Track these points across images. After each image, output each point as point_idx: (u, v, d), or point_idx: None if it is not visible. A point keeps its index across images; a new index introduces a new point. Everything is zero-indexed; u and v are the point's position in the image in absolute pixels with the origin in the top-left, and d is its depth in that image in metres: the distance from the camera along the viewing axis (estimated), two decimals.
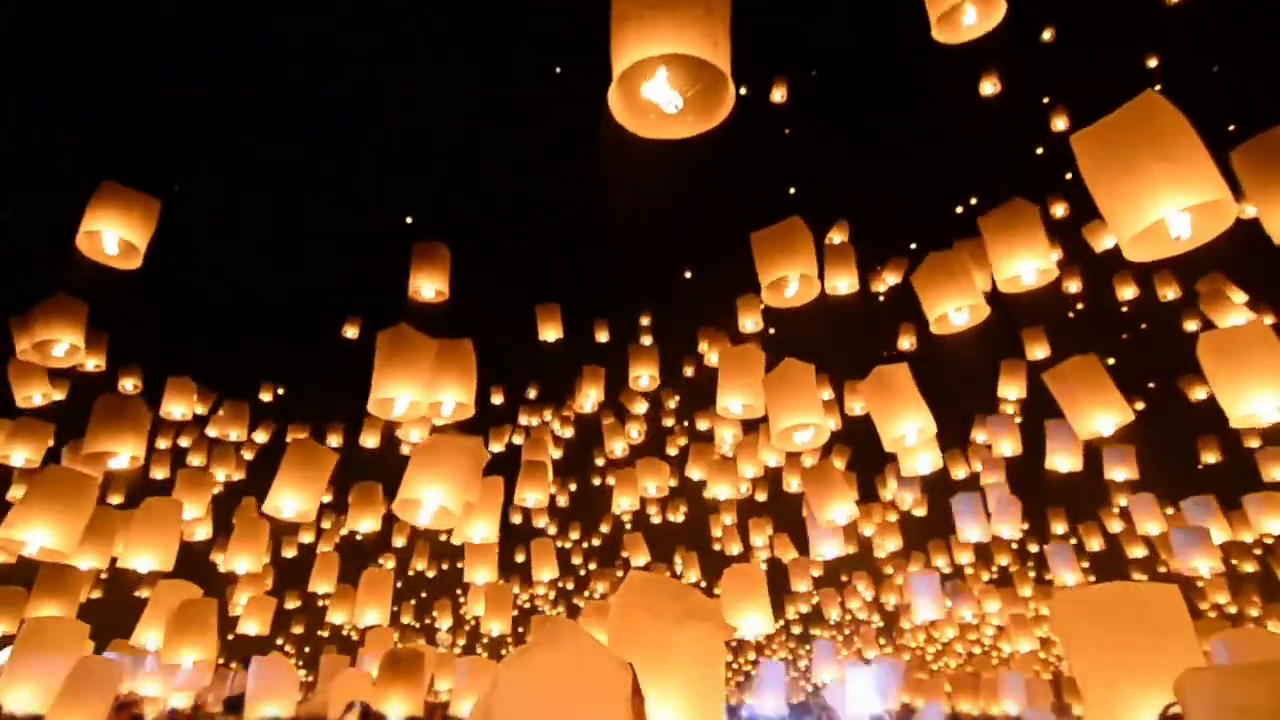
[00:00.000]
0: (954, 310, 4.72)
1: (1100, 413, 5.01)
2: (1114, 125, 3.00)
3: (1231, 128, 4.63)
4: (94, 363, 7.29)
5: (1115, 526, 10.72)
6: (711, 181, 8.67)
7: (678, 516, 13.21)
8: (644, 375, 8.06)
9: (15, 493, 7.60)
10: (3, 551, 4.91)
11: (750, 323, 7.23)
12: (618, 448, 10.28)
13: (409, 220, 13.70)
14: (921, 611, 8.79)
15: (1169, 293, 7.83)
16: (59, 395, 7.11)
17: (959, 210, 8.78)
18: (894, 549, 10.62)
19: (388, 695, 5.52)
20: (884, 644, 16.34)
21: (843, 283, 6.02)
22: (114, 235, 4.20)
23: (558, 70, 8.76)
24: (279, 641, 19.19)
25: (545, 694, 1.81)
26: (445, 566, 15.78)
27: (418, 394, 4.57)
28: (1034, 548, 11.92)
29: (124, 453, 5.01)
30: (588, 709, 1.82)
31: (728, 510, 12.25)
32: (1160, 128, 2.95)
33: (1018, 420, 7.97)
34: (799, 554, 11.52)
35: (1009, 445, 7.51)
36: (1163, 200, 2.94)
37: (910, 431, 5.16)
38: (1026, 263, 4.39)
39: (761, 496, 12.17)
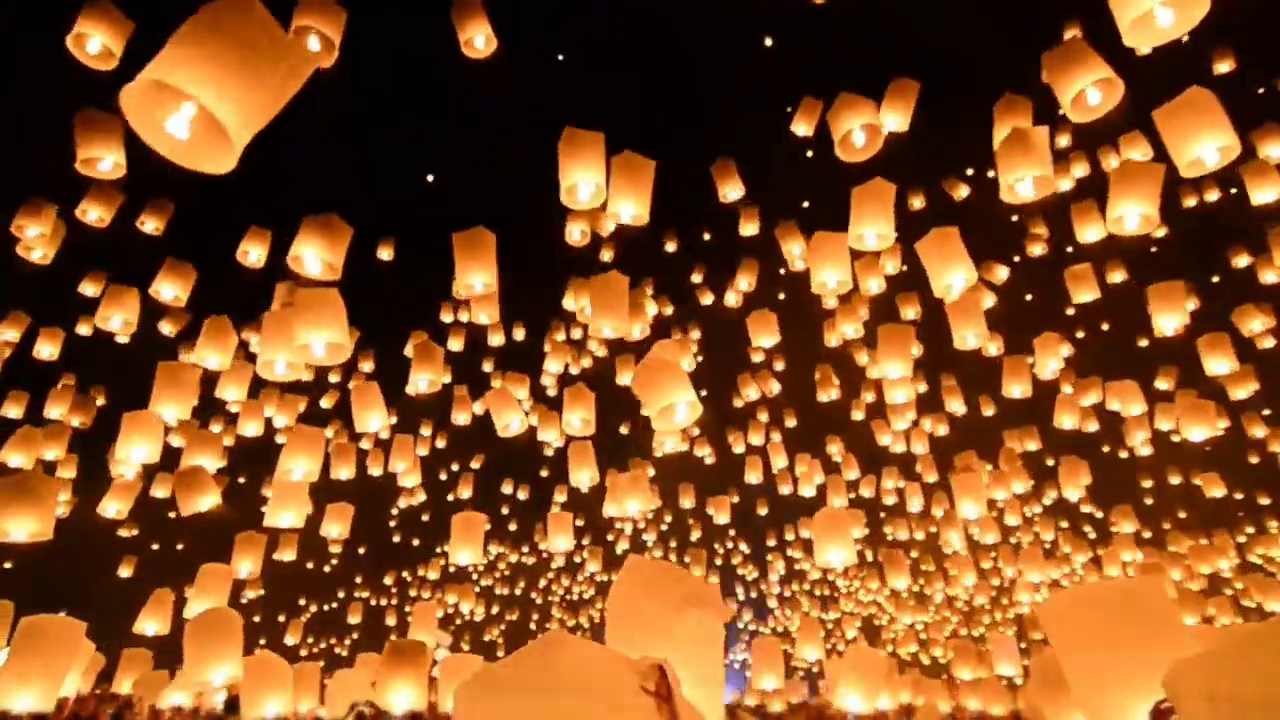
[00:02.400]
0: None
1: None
2: None
3: None
4: (153, 225, 8.02)
5: None
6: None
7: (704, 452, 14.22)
8: (731, 190, 8.43)
9: None
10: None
11: (802, 128, 7.94)
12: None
13: (430, 179, 14.85)
14: (964, 510, 9.75)
15: None
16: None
17: None
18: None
19: (391, 687, 5.94)
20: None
21: (893, 120, 6.86)
22: (316, 34, 5.14)
23: None
24: (302, 601, 19.67)
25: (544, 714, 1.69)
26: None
27: (599, 179, 5.47)
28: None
29: None
30: None
31: (756, 430, 13.20)
32: None
33: None
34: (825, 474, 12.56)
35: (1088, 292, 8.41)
36: None
37: (957, 281, 6.20)
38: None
39: (791, 422, 13.26)
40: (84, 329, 10.77)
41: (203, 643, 6.16)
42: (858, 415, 12.30)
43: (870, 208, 5.97)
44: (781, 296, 12.40)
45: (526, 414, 10.73)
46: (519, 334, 12.84)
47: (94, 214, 7.38)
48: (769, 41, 11.04)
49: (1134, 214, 5.88)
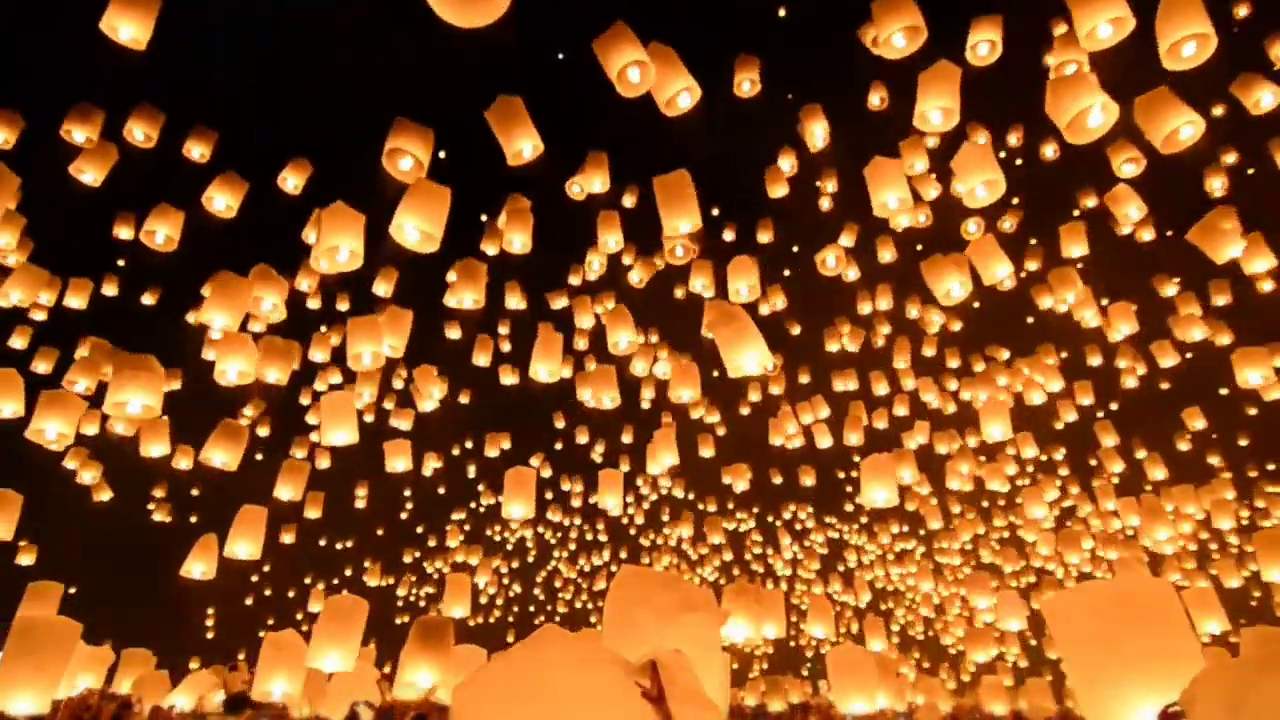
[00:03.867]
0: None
1: None
2: None
3: None
4: (199, 152, 8.14)
5: None
6: None
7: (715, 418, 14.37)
8: (746, 81, 8.33)
9: None
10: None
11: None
12: None
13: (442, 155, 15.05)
14: (991, 432, 10.01)
15: None
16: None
17: None
18: None
19: (416, 662, 6.18)
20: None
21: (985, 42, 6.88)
22: None
23: None
24: (308, 580, 19.30)
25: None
26: None
27: (644, 57, 5.81)
28: None
29: None
30: None
31: (776, 382, 13.35)
32: None
33: None
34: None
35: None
36: None
37: (980, 188, 6.69)
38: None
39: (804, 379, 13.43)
40: (109, 289, 10.85)
41: (331, 628, 6.33)
42: (878, 341, 12.52)
43: (936, 87, 6.32)
44: (795, 249, 12.77)
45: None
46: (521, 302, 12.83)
47: (140, 133, 7.52)
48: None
49: (1183, 127, 6.24)
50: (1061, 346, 11.65)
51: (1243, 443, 14.92)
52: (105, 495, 11.73)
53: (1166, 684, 2.31)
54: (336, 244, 6.39)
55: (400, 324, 8.39)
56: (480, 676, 1.94)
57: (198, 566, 8.75)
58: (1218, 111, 8.92)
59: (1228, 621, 10.74)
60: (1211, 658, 3.67)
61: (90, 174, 7.45)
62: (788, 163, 10.06)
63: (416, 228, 5.78)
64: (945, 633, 21.84)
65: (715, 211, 13.60)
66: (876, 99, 9.35)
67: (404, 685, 6.47)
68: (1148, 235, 10.01)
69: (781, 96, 9.25)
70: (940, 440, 13.15)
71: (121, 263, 11.09)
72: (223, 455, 8.15)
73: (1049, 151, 9.77)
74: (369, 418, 12.14)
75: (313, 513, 11.85)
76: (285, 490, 8.99)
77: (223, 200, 7.75)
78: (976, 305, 12.11)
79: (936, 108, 6.30)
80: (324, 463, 11.75)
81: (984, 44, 6.59)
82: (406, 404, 12.67)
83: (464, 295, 7.99)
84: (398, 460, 10.44)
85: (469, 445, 16.48)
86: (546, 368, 9.14)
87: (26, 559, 11.53)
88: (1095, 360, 11.93)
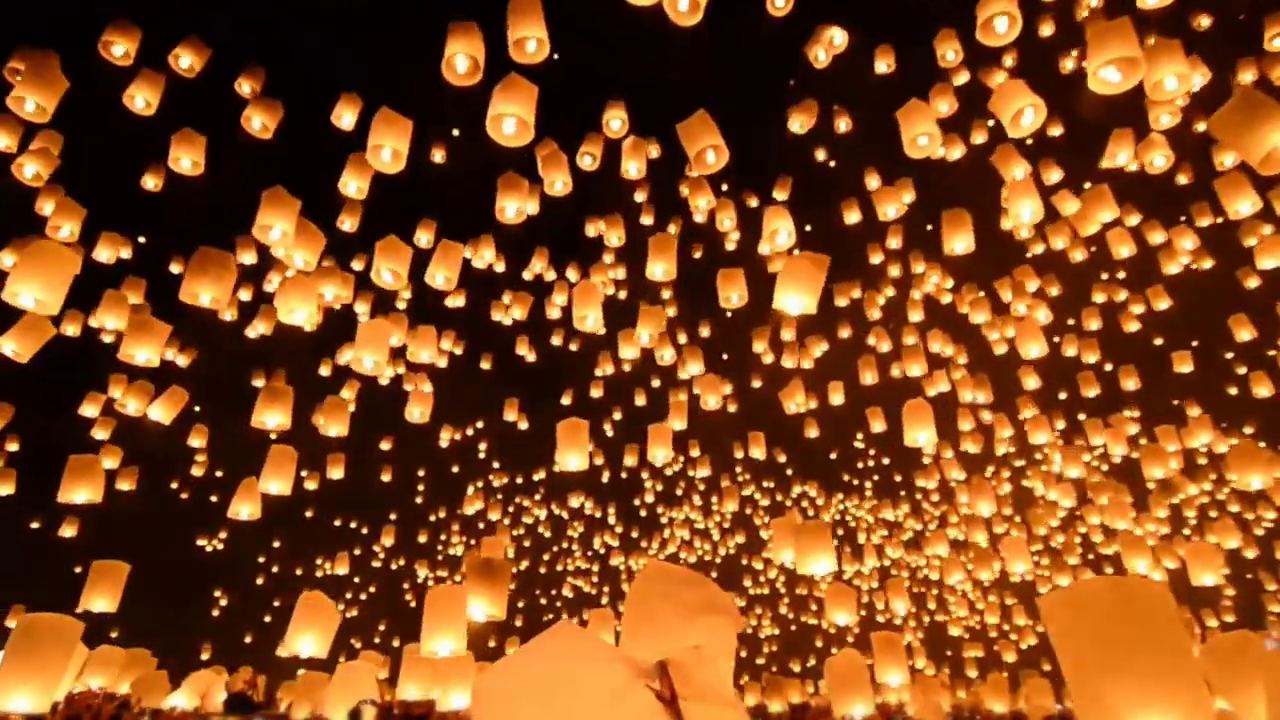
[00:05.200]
0: None
1: None
2: None
3: None
4: (249, 88, 8.16)
5: None
6: None
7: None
8: None
9: None
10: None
11: None
12: None
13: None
14: (1030, 351, 10.08)
15: None
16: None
17: None
18: None
19: (475, 598, 6.65)
20: None
21: None
22: None
23: None
24: (320, 560, 18.97)
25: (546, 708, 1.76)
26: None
27: None
28: None
29: None
30: None
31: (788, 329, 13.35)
32: None
33: None
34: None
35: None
36: None
37: (1028, 115, 6.96)
38: None
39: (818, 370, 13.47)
40: (125, 252, 10.82)
41: (438, 613, 6.44)
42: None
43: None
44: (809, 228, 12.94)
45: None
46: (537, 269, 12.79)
47: (185, 61, 7.64)
48: None
49: (1170, 80, 6.57)
50: (1063, 284, 11.83)
51: (1232, 391, 15.02)
52: (127, 485, 11.59)
53: (1156, 691, 2.42)
54: (382, 144, 6.52)
55: (452, 257, 8.47)
56: (498, 669, 2.03)
57: (244, 508, 8.79)
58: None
59: (1223, 577, 10.91)
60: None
61: (142, 99, 7.43)
62: (801, 121, 10.20)
63: (514, 117, 5.84)
64: (953, 623, 21.77)
65: (724, 187, 13.90)
66: (883, 66, 9.67)
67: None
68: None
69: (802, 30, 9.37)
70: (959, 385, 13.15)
71: (142, 239, 11.13)
72: (276, 417, 8.21)
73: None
74: (384, 381, 12.13)
75: (335, 472, 11.79)
76: (332, 427, 8.98)
77: (259, 120, 7.83)
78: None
79: (1003, 13, 6.47)
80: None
81: None
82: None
83: (507, 205, 8.02)
84: (416, 409, 10.40)
85: (480, 425, 16.46)
86: (591, 314, 9.26)
87: (69, 530, 11.38)
88: (1099, 298, 12.17)
